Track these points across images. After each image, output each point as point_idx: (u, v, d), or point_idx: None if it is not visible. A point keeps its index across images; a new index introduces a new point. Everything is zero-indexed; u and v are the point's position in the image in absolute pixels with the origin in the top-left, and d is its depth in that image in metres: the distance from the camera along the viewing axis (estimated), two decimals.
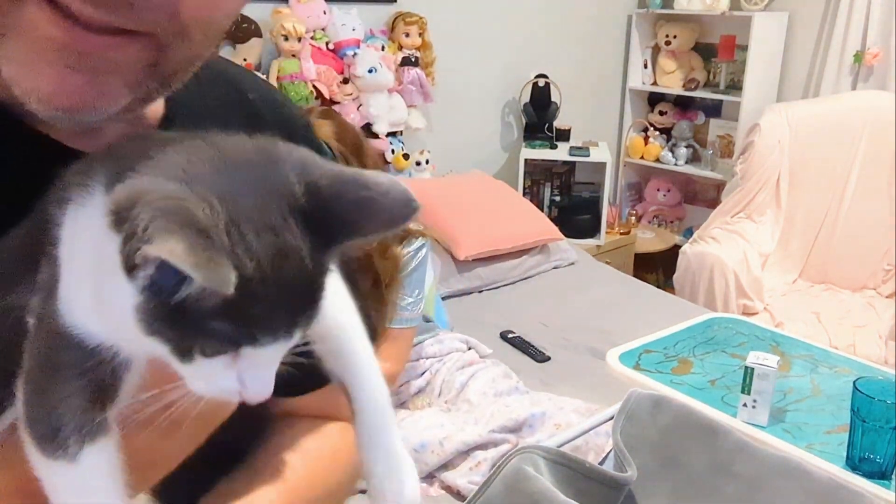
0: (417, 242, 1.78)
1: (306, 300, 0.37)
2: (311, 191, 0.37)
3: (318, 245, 0.37)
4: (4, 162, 0.47)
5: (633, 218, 3.99)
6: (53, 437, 0.39)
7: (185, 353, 0.35)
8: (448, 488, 1.69)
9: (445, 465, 1.72)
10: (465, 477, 1.68)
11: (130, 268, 0.33)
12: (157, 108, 0.53)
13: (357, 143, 1.75)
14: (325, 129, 1.68)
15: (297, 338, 0.37)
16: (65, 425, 0.38)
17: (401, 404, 1.96)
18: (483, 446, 1.74)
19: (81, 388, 0.38)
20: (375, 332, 0.72)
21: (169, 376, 0.37)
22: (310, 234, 0.36)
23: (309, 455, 0.58)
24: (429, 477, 1.72)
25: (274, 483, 0.54)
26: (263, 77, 0.74)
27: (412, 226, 1.70)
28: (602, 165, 3.57)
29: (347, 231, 0.37)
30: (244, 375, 0.36)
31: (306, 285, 0.36)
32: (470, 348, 2.18)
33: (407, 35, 3.01)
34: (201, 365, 0.35)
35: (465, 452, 1.73)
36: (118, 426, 0.40)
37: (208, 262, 0.32)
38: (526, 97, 3.59)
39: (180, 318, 0.34)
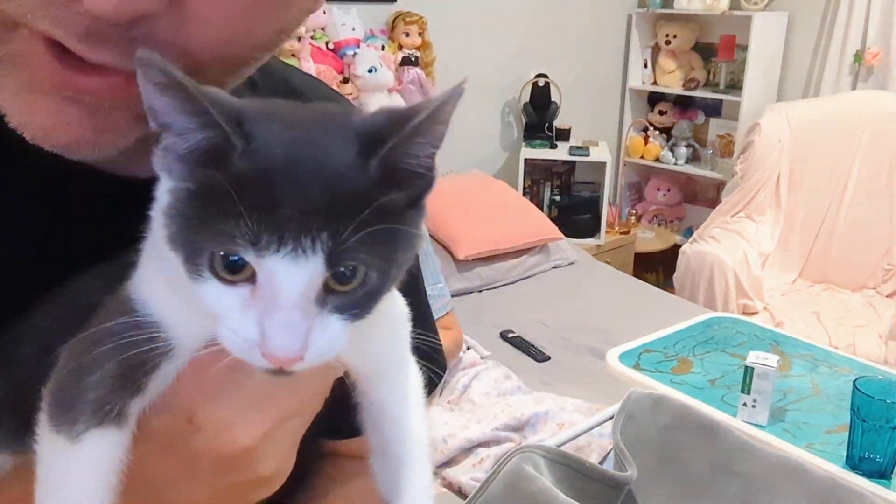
0: None
1: (327, 206, 0.33)
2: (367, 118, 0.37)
3: (364, 158, 0.35)
4: (50, 197, 0.44)
5: (633, 217, 3.99)
6: (68, 409, 0.37)
7: (195, 266, 0.34)
8: (450, 485, 1.69)
9: (448, 462, 1.72)
10: (468, 474, 1.68)
11: (157, 133, 0.35)
12: None
13: None
14: None
15: (315, 259, 0.33)
16: (83, 399, 0.37)
17: None
18: (486, 444, 1.74)
19: (116, 362, 0.37)
20: (445, 367, 0.71)
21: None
22: (357, 148, 0.35)
23: None
24: None
25: None
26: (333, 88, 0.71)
27: None
28: (602, 165, 3.57)
29: (381, 137, 0.35)
30: (263, 319, 0.34)
31: (329, 186, 0.33)
32: (469, 348, 2.18)
33: (407, 35, 3.01)
34: (216, 291, 0.34)
35: (468, 449, 1.73)
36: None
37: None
38: (526, 97, 3.58)
39: (195, 219, 0.34)
